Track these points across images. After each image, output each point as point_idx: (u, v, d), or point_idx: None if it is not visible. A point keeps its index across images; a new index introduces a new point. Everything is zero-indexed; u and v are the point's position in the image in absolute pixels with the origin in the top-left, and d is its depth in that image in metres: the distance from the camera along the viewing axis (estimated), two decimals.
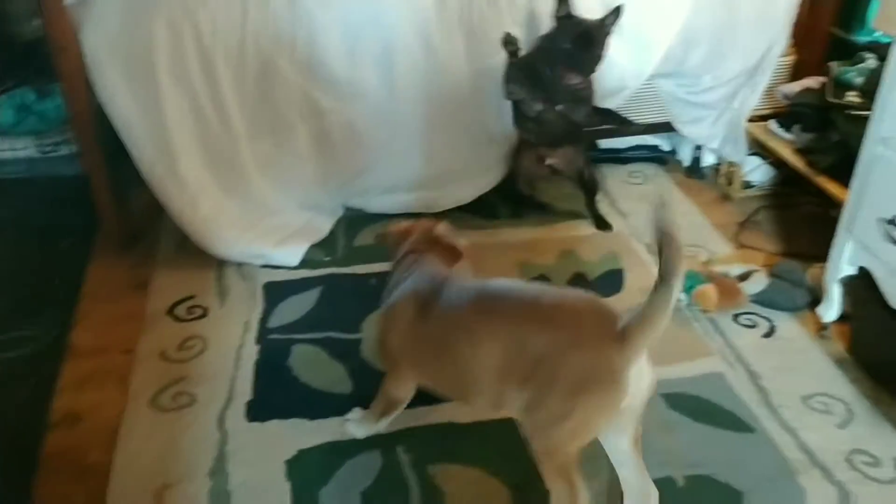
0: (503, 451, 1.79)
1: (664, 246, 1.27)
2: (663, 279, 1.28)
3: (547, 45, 2.42)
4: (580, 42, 2.37)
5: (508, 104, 2.58)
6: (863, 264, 2.04)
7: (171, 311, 2.26)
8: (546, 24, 2.48)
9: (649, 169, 3.09)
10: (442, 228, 1.83)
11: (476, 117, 2.63)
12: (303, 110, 2.45)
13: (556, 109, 2.48)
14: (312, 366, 2.06)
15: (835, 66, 2.51)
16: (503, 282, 1.62)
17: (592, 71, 2.44)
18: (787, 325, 2.26)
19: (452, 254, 1.74)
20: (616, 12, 2.36)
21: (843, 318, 2.21)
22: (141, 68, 2.28)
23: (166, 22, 2.27)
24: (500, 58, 2.47)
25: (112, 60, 2.26)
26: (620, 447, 1.55)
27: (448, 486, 1.73)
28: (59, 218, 2.63)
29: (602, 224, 2.69)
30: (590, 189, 2.71)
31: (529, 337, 1.43)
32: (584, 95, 2.49)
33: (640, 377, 1.41)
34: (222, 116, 2.39)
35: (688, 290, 2.28)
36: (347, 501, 1.69)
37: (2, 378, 2.00)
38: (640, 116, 2.94)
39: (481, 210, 2.75)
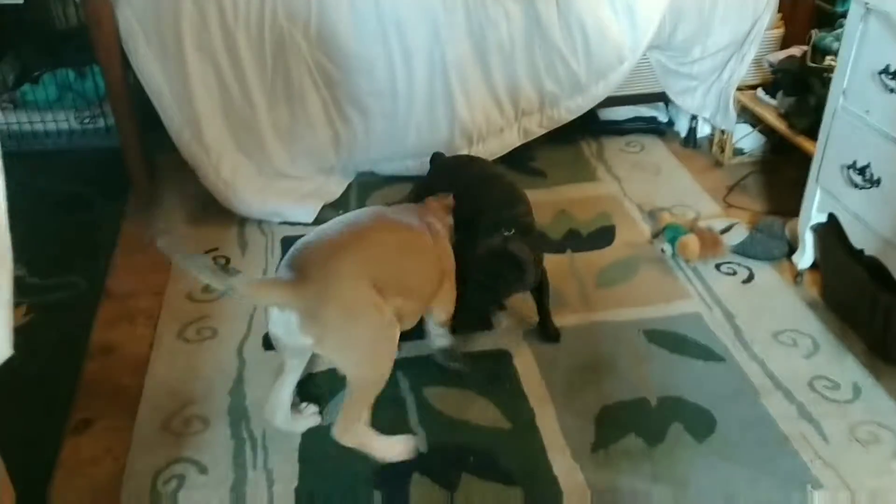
0: (491, 374, 2.01)
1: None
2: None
3: None
4: None
5: (511, 72, 2.79)
6: (830, 210, 2.19)
7: None
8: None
9: (646, 139, 3.25)
10: None
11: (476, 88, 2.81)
12: (315, 81, 2.67)
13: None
14: None
15: (815, 34, 2.67)
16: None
17: None
18: (766, 273, 2.42)
19: None
20: None
21: (816, 266, 2.36)
22: (170, 41, 2.52)
23: None
24: (498, 32, 2.67)
25: (144, 34, 2.51)
26: None
27: (440, 405, 1.94)
28: (95, 183, 2.89)
29: (550, 334, 2.15)
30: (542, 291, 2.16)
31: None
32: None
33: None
34: (243, 86, 2.62)
35: (672, 240, 2.45)
36: None
37: (47, 315, 2.24)
38: (636, 87, 3.10)
39: None
